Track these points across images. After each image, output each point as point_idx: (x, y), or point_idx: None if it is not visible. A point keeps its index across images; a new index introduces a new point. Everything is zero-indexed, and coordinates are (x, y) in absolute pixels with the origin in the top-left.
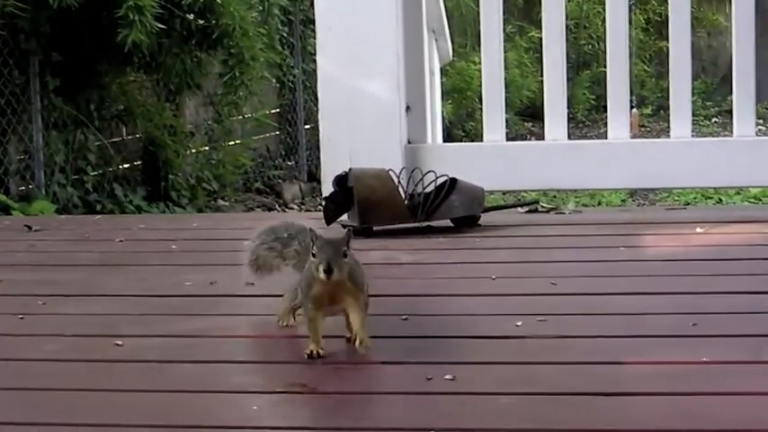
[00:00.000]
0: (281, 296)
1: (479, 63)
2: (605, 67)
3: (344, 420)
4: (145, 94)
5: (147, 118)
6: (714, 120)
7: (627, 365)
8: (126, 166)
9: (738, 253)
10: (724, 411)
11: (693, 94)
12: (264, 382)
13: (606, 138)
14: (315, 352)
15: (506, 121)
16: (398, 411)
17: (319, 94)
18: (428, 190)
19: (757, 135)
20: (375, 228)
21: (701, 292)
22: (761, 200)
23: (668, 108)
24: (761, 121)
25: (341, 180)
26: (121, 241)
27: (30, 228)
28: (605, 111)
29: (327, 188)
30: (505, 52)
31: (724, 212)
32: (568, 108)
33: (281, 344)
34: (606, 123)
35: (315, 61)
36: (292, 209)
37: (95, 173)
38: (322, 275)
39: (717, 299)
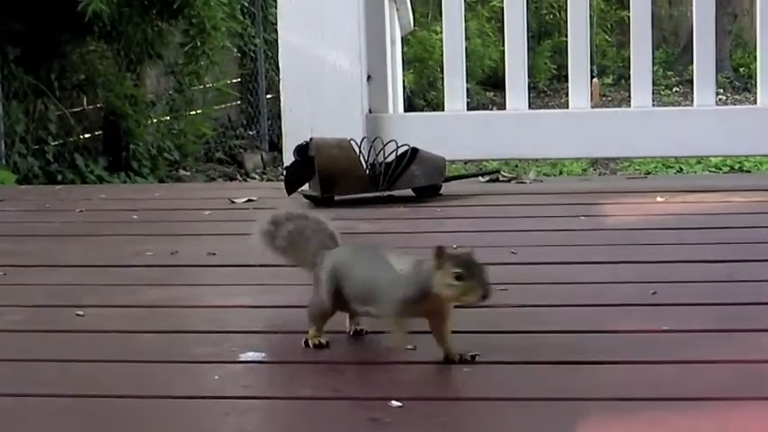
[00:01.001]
0: (247, 266)
1: (441, 32)
2: (566, 36)
3: (305, 390)
4: (106, 64)
5: (108, 88)
6: (675, 89)
7: (588, 334)
8: (87, 136)
9: (698, 222)
10: (685, 379)
11: (654, 63)
12: (225, 352)
13: (567, 107)
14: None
15: (468, 90)
16: (360, 380)
17: (281, 64)
18: (389, 159)
19: (717, 104)
20: (336, 197)
21: (660, 261)
22: (721, 169)
23: (629, 77)
24: (721, 91)
25: (302, 149)
26: (82, 211)
27: None
28: (566, 80)
29: (289, 158)
30: (467, 21)
31: (684, 182)
32: (530, 78)
33: (243, 314)
34: (567, 93)
35: (276, 31)
36: (254, 178)
37: (56, 143)
38: (475, 300)
39: (676, 268)
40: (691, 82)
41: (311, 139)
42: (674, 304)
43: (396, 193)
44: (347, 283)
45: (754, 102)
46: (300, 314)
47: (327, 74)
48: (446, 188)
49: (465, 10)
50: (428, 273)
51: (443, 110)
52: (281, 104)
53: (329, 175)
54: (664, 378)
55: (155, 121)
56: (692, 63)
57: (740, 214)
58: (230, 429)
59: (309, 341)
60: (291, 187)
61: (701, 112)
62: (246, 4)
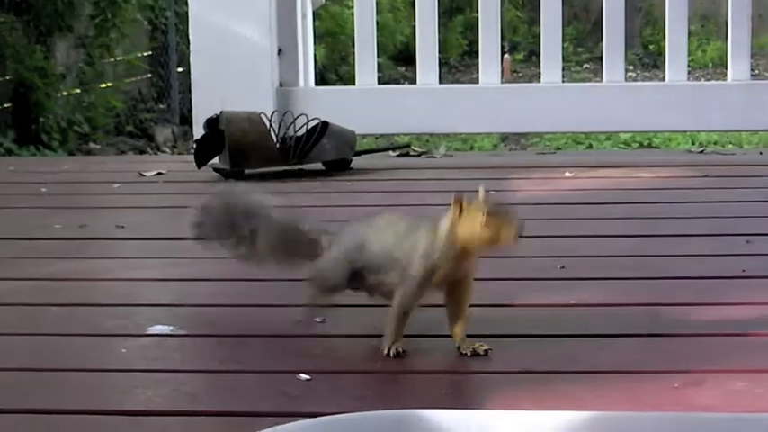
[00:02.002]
0: (155, 239)
1: (353, 7)
2: (478, 12)
3: (212, 363)
4: (15, 36)
5: (18, 60)
6: (585, 66)
7: (498, 308)
8: None
9: (606, 197)
10: (594, 353)
11: (565, 40)
12: (133, 325)
13: (478, 83)
14: (400, 350)
15: (379, 65)
16: (269, 353)
17: (191, 37)
18: (300, 133)
19: (627, 81)
20: (246, 171)
21: (568, 236)
22: (630, 145)
23: (540, 54)
24: (631, 68)
25: (212, 123)
26: None
27: None
28: (478, 56)
29: (199, 131)
30: None
31: (593, 157)
32: (441, 53)
33: (151, 287)
34: (479, 68)
35: (187, 3)
36: (165, 152)
37: None
38: (511, 237)
39: (584, 242)
40: (601, 59)
41: (221, 113)
42: (583, 278)
43: (306, 166)
44: (363, 252)
45: (663, 79)
46: (208, 287)
47: (238, 47)
48: (356, 162)
49: None
50: (451, 225)
51: (355, 84)
52: (191, 78)
53: (239, 149)
54: (573, 351)
55: (65, 93)
56: (602, 40)
57: (648, 189)
58: (138, 402)
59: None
60: (201, 161)
61: (610, 88)
62: None
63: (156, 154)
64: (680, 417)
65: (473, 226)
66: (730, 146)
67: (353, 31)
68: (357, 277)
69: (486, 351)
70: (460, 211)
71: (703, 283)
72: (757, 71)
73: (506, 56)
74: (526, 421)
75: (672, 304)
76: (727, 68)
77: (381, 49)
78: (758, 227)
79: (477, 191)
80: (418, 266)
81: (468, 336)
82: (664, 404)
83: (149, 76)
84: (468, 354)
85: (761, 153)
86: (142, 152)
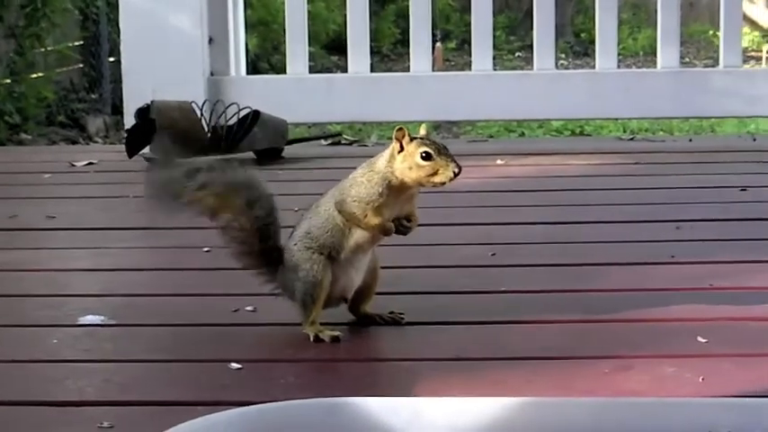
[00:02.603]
0: (85, 229)
1: None
2: (410, 1)
3: (143, 352)
4: None
5: None
6: (518, 54)
7: (429, 295)
8: None
9: (537, 184)
10: (523, 339)
11: (497, 28)
12: (64, 315)
13: (410, 71)
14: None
15: (312, 54)
16: (200, 343)
17: (121, 27)
18: (231, 122)
19: (558, 69)
20: (177, 160)
21: (499, 223)
22: (562, 133)
23: (471, 42)
24: (563, 56)
25: (143, 112)
26: None
27: None
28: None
29: (130, 121)
30: None
31: (524, 145)
32: (373, 42)
33: (81, 277)
34: None
35: None
36: (97, 142)
37: None
38: (448, 176)
39: (515, 229)
40: (532, 47)
41: (152, 102)
42: (513, 265)
43: (238, 155)
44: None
45: (594, 67)
46: (139, 277)
47: (168, 36)
48: (288, 151)
49: None
50: (389, 159)
51: (287, 73)
52: (122, 67)
53: (170, 138)
54: (503, 338)
55: None
56: (533, 28)
57: (578, 177)
58: (69, 393)
59: (320, 335)
60: (132, 150)
61: (541, 76)
62: None
63: (87, 144)
64: (609, 402)
65: (411, 161)
66: (661, 133)
67: (285, 20)
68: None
69: (402, 318)
70: (401, 147)
71: (633, 269)
72: (687, 59)
73: (438, 44)
74: (457, 408)
75: (601, 290)
76: (657, 56)
77: (313, 38)
78: (687, 213)
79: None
80: (356, 203)
81: (396, 325)
82: (593, 389)
83: (81, 65)
84: (387, 319)
85: (690, 140)
86: (74, 142)
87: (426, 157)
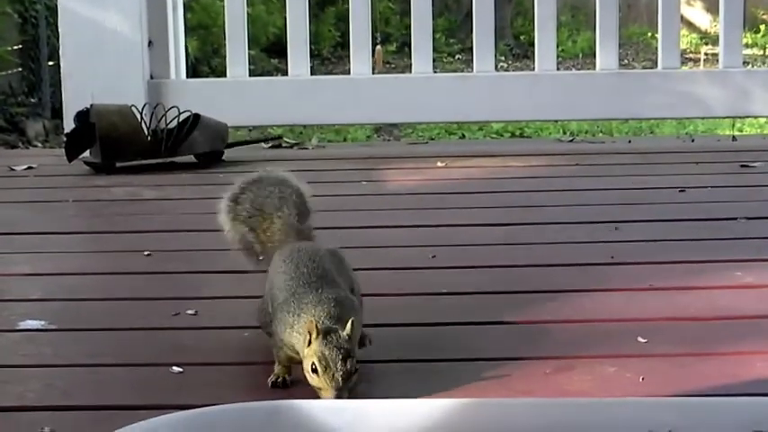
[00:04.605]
0: (24, 233)
1: None
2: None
3: (84, 357)
4: None
5: None
6: (458, 57)
7: (369, 297)
8: None
9: (477, 186)
10: (464, 342)
11: (437, 31)
12: (3, 320)
13: (350, 74)
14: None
15: (251, 57)
16: (141, 347)
17: (60, 30)
18: (171, 126)
19: (498, 71)
20: (118, 164)
21: (440, 225)
22: (502, 135)
23: (411, 45)
24: (502, 58)
25: (82, 116)
26: None
27: None
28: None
29: (69, 124)
30: None
31: (465, 147)
32: (314, 45)
33: (20, 282)
34: None
35: None
36: (36, 146)
37: None
38: (327, 396)
39: (455, 231)
40: (472, 49)
41: (92, 106)
42: (454, 267)
43: (178, 159)
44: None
45: (534, 69)
46: (79, 281)
47: (107, 39)
48: (229, 154)
49: None
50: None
51: (227, 76)
52: (62, 71)
53: (110, 142)
54: (445, 340)
55: None
56: (473, 31)
57: (518, 178)
58: (10, 398)
59: (270, 379)
60: (72, 154)
61: (481, 78)
62: None
63: (27, 148)
64: (551, 402)
65: (305, 364)
66: (601, 134)
67: (225, 23)
68: None
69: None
70: (309, 342)
71: (573, 270)
72: (626, 60)
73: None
74: (399, 410)
75: (541, 291)
76: (596, 58)
77: (253, 41)
78: (626, 214)
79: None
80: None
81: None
82: (535, 390)
83: (20, 69)
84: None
85: (630, 141)
86: (13, 146)
87: (314, 370)
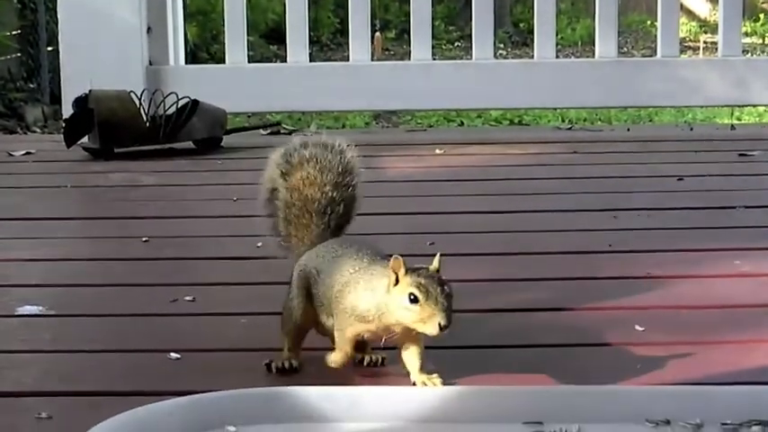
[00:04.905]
0: (24, 219)
1: None
2: None
3: (82, 343)
4: None
5: None
6: (457, 44)
7: None
8: None
9: (476, 174)
10: (462, 330)
11: (436, 18)
12: (2, 305)
13: (349, 61)
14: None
15: (251, 43)
16: (139, 333)
17: (59, 15)
18: (170, 112)
19: (497, 59)
20: (116, 150)
21: (438, 212)
22: (501, 122)
23: (411, 32)
24: (501, 46)
25: (81, 102)
26: None
27: None
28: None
29: (68, 110)
30: None
31: (464, 134)
32: (313, 31)
33: (20, 267)
34: None
35: None
36: (35, 132)
37: None
38: (431, 330)
39: (453, 218)
40: (471, 37)
41: (90, 92)
42: (452, 254)
43: (176, 145)
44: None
45: (533, 57)
46: (78, 267)
47: (107, 25)
48: (227, 140)
49: None
50: (382, 293)
51: (225, 63)
52: (61, 57)
53: (108, 128)
54: None
55: None
56: (472, 18)
57: (517, 166)
58: (7, 384)
59: (273, 364)
60: (71, 140)
61: (480, 65)
62: None
63: (26, 134)
64: (546, 390)
65: (398, 302)
66: (599, 123)
67: (224, 9)
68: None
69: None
70: (396, 281)
71: (570, 258)
72: (625, 48)
73: (377, 34)
74: (395, 397)
75: (540, 279)
76: (595, 46)
77: (252, 28)
78: (624, 202)
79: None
80: (347, 324)
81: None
82: (532, 378)
83: (18, 54)
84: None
85: (628, 129)
86: (12, 132)
87: (413, 300)
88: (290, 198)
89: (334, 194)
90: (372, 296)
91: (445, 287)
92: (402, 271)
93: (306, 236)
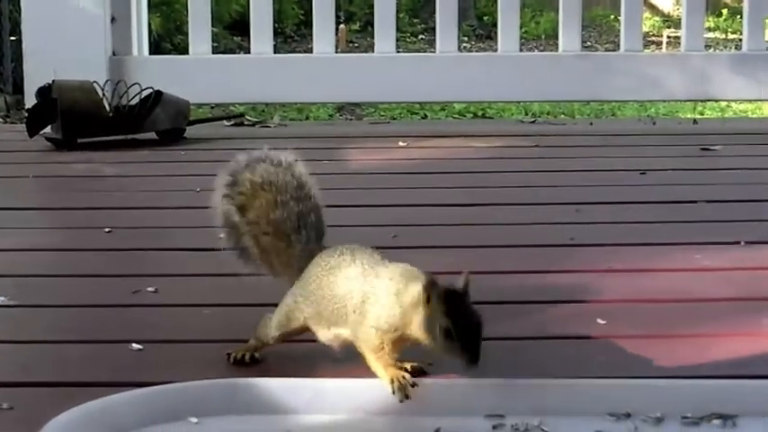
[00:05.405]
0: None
1: None
2: None
3: (44, 333)
4: None
5: None
6: (421, 36)
7: None
8: None
9: (438, 166)
10: None
11: (400, 10)
12: None
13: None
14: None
15: (215, 34)
16: (101, 323)
17: (22, 5)
18: (133, 102)
19: (461, 52)
20: (79, 140)
21: (401, 205)
22: (464, 115)
23: (375, 24)
24: (465, 39)
25: (44, 92)
26: None
27: None
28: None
29: (31, 100)
30: None
31: (427, 127)
32: (277, 23)
33: None
34: None
35: None
36: None
37: None
38: (462, 365)
39: (417, 211)
40: (436, 29)
41: (53, 82)
42: (414, 247)
43: (140, 136)
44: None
45: (497, 50)
46: (39, 257)
47: (70, 15)
48: (190, 132)
49: None
50: (409, 308)
51: (189, 54)
52: (24, 46)
53: (72, 118)
54: None
55: None
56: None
57: (480, 159)
58: None
59: (231, 355)
60: (33, 130)
61: (444, 58)
62: None
63: None
64: (509, 383)
65: (428, 327)
66: (562, 116)
67: (188, 0)
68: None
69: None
70: (428, 300)
71: (534, 251)
72: (589, 43)
73: (342, 26)
74: (356, 389)
75: (502, 272)
76: (558, 40)
77: (216, 19)
78: (586, 196)
79: (462, 275)
80: (371, 335)
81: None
82: (495, 371)
83: None
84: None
85: (591, 123)
86: None
87: (446, 334)
88: (258, 230)
89: (301, 207)
90: (404, 307)
91: (478, 321)
92: (435, 293)
93: (291, 256)
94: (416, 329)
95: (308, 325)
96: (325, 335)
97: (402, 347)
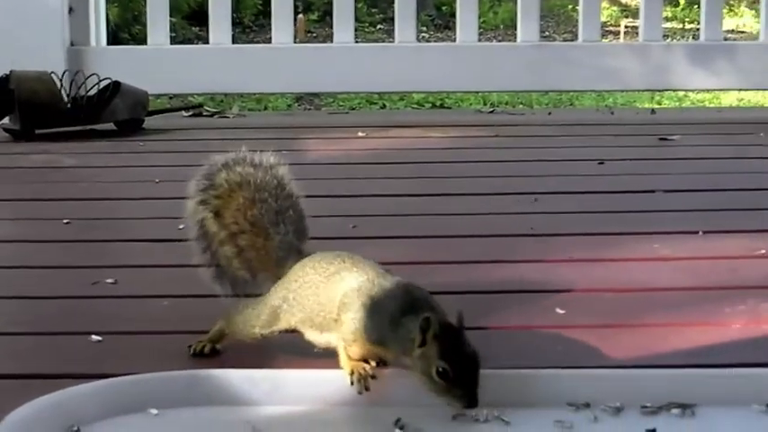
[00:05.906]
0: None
1: None
2: None
3: (2, 325)
4: None
5: None
6: (379, 26)
7: None
8: None
9: (397, 156)
10: None
11: (359, 0)
12: None
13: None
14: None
15: (173, 25)
16: (60, 315)
17: None
18: (91, 93)
19: (419, 42)
20: (37, 131)
21: (360, 195)
22: (423, 105)
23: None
24: (424, 29)
25: (2, 83)
26: None
27: None
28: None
29: None
30: None
31: (385, 117)
32: (236, 13)
33: None
34: None
35: None
36: None
37: None
38: (457, 408)
39: (376, 201)
40: (394, 19)
41: (11, 72)
42: (374, 237)
43: (98, 126)
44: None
45: (455, 40)
46: (2, 249)
47: (27, 5)
48: (149, 122)
49: None
50: (407, 333)
51: (147, 44)
52: None
53: (30, 109)
54: None
55: None
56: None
57: (438, 149)
58: None
59: (194, 347)
60: None
61: (402, 48)
62: None
63: None
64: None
65: (423, 366)
66: (521, 106)
67: None
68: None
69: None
70: (422, 341)
71: (493, 241)
72: (547, 33)
73: (300, 16)
74: (317, 380)
75: (461, 262)
76: (517, 30)
77: (174, 9)
78: (545, 185)
79: (457, 316)
80: (351, 329)
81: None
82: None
83: None
84: None
85: (549, 113)
86: None
87: (442, 375)
88: (236, 228)
89: (280, 203)
90: (398, 336)
91: (476, 362)
92: (431, 333)
93: (270, 248)
94: (412, 368)
95: (296, 327)
96: (315, 338)
97: (374, 358)
